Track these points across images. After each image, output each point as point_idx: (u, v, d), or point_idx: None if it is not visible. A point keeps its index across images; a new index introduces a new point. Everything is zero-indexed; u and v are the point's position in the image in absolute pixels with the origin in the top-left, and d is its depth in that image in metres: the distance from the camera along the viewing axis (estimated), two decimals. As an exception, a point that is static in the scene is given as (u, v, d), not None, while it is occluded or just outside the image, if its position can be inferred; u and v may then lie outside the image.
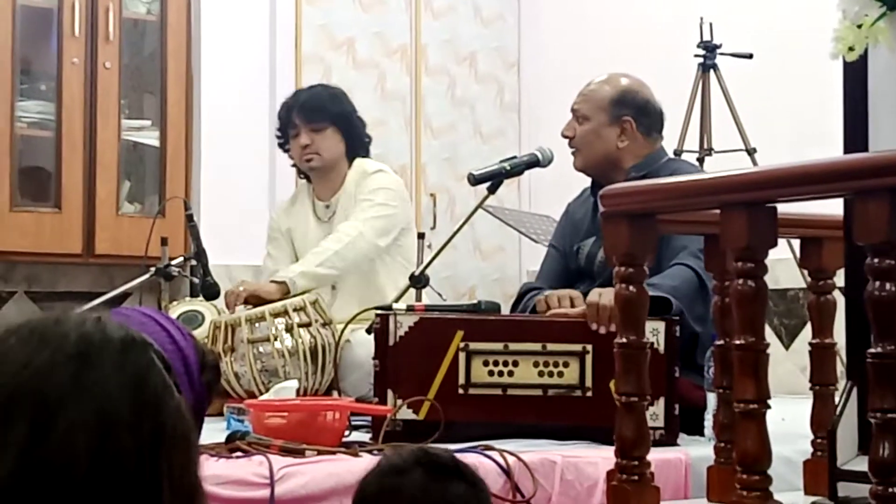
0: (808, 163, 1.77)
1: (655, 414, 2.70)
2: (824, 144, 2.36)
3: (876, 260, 1.65)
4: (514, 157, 3.32)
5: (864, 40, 1.98)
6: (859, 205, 1.68)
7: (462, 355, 2.78)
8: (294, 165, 4.04)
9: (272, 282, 3.69)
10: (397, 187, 3.90)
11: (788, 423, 2.80)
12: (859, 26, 1.97)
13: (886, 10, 1.87)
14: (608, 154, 3.23)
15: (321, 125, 3.85)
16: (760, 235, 1.83)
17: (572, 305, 2.95)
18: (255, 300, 3.54)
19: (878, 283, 1.65)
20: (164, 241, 3.43)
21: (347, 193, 3.88)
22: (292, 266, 3.76)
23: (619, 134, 3.23)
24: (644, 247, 2.04)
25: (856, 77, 2.14)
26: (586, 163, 3.26)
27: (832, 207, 2.11)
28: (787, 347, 4.74)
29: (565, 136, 3.28)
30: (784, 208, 2.03)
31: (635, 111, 3.24)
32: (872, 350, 1.66)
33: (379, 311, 2.84)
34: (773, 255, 2.67)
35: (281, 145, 4.01)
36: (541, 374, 2.78)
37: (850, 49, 1.97)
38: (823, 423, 2.30)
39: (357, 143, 3.94)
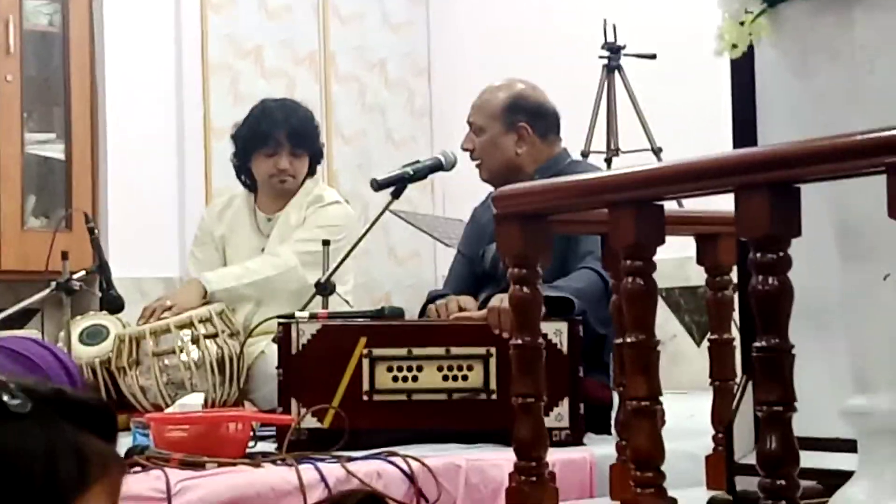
0: (691, 160, 1.78)
1: (560, 414, 2.71)
2: (728, 142, 2.38)
3: (759, 254, 1.66)
4: (418, 162, 3.32)
5: (747, 37, 2.00)
6: (742, 200, 1.69)
7: (366, 362, 2.77)
8: (241, 175, 3.95)
9: (189, 284, 3.68)
10: (348, 223, 3.88)
11: (697, 419, 2.82)
12: (742, 23, 1.98)
13: (766, 7, 1.88)
14: (509, 162, 3.24)
15: (303, 152, 3.84)
16: (648, 233, 1.84)
17: (460, 310, 2.96)
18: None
19: (760, 277, 1.66)
20: (64, 256, 3.36)
21: (291, 212, 3.85)
22: (218, 276, 3.71)
23: (516, 140, 3.24)
24: (537, 248, 2.04)
25: (742, 74, 2.17)
26: (490, 173, 3.28)
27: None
28: (698, 344, 4.78)
29: (466, 150, 3.30)
30: (686, 204, 2.04)
31: (529, 116, 3.25)
32: (757, 343, 1.67)
33: (281, 321, 2.82)
34: (682, 252, 2.69)
35: (242, 153, 3.91)
36: (445, 378, 2.78)
37: (734, 46, 1.98)
38: (723, 417, 2.32)
39: (315, 168, 3.94)
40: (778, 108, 2.11)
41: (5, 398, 0.96)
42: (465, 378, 2.78)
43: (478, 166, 3.31)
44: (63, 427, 0.98)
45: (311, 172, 3.94)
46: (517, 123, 3.24)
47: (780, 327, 1.66)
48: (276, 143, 3.80)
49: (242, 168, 3.92)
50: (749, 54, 2.10)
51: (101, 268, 3.43)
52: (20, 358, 1.63)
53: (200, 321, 3.41)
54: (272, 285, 3.72)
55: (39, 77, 4.95)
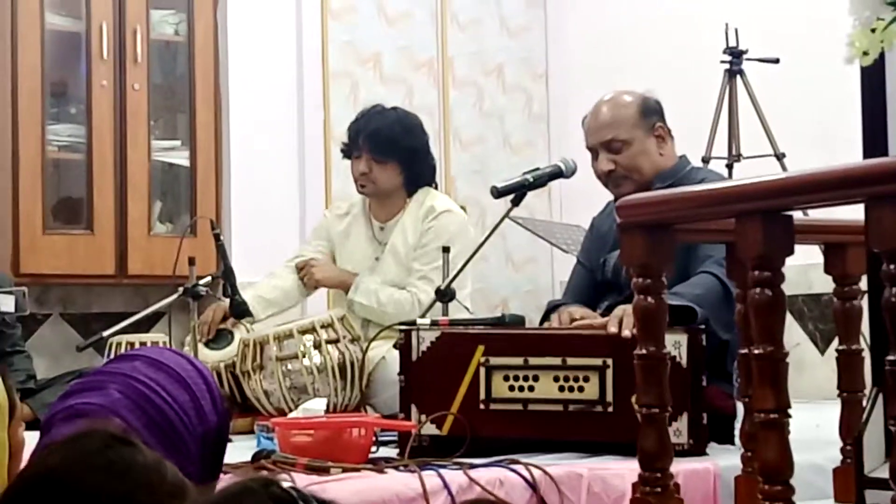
0: (822, 170, 1.75)
1: (679, 430, 2.66)
2: (854, 148, 2.34)
3: (892, 266, 1.64)
4: (538, 169, 3.31)
5: (879, 44, 1.96)
6: (873, 211, 1.66)
7: (483, 370, 2.77)
8: None
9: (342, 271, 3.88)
10: (463, 229, 3.87)
11: (823, 429, 2.77)
12: (873, 30, 1.95)
13: (899, 13, 1.85)
14: (655, 166, 3.19)
15: (385, 158, 3.84)
16: (776, 244, 1.81)
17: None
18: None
19: (894, 290, 1.63)
20: (191, 261, 3.44)
21: (407, 224, 3.87)
22: (366, 291, 3.78)
23: (658, 143, 3.21)
24: (661, 257, 2.03)
25: (873, 81, 2.13)
26: (638, 185, 3.13)
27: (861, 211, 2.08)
28: (822, 352, 4.70)
29: (605, 173, 3.19)
30: (811, 213, 2.01)
31: (660, 115, 3.23)
32: (891, 357, 1.64)
33: (402, 328, 2.84)
34: (806, 259, 2.64)
35: (345, 154, 3.99)
36: (561, 388, 2.75)
37: (865, 53, 1.95)
38: (852, 429, 2.28)
39: (416, 177, 3.92)
40: (910, 116, 2.07)
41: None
42: (580, 389, 2.75)
43: (619, 184, 3.17)
44: None
45: (415, 183, 3.93)
46: (654, 125, 3.21)
47: (914, 341, 1.63)
48: (358, 147, 3.85)
49: None
50: (880, 61, 2.07)
51: (226, 273, 3.50)
52: (161, 366, 1.69)
53: (322, 326, 3.45)
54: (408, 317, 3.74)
55: (165, 85, 5.07)
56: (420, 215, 3.87)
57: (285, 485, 1.07)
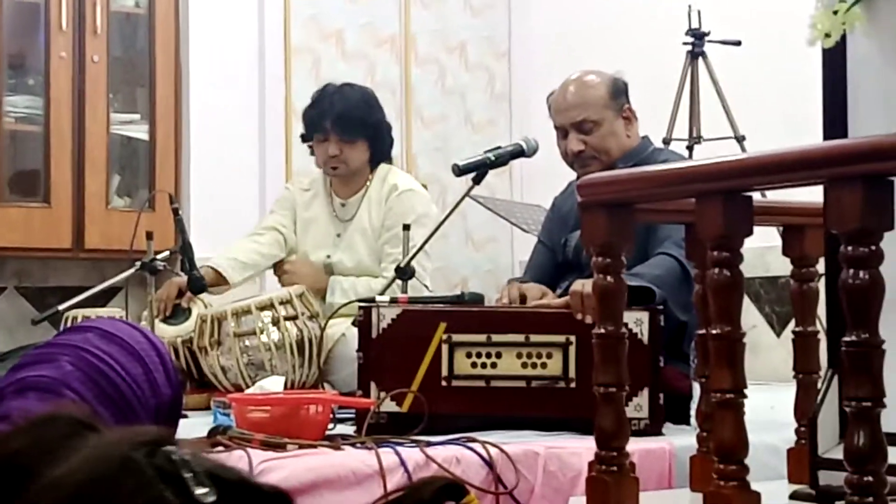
0: (781, 151, 1.75)
1: (640, 405, 2.69)
2: (813, 131, 2.35)
3: (849, 248, 1.64)
4: (500, 148, 3.30)
5: (841, 26, 1.97)
6: (832, 192, 1.66)
7: (445, 347, 2.77)
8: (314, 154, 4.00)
9: (318, 269, 3.84)
10: (428, 208, 3.87)
11: (777, 411, 2.79)
12: (835, 12, 1.96)
13: (861, -4, 1.86)
14: (622, 147, 3.20)
15: (354, 138, 3.82)
16: (735, 224, 1.82)
17: (522, 299, 2.94)
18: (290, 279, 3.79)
19: (851, 271, 1.64)
20: (149, 236, 3.42)
21: (372, 201, 3.86)
22: (345, 288, 3.76)
23: (625, 124, 3.21)
24: (622, 237, 2.03)
25: (834, 64, 2.13)
26: (606, 166, 3.12)
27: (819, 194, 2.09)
28: (778, 335, 4.74)
29: (574, 153, 3.17)
30: (769, 195, 2.02)
31: (626, 96, 3.23)
32: (847, 338, 1.65)
33: (362, 304, 2.83)
34: (763, 242, 2.65)
35: (303, 138, 3.97)
36: (524, 365, 2.76)
37: (827, 35, 1.96)
38: (806, 411, 2.29)
39: (381, 152, 3.92)
40: (870, 100, 2.07)
41: (196, 490, 0.93)
42: (543, 366, 2.77)
43: (587, 165, 3.16)
44: None
45: (379, 158, 3.92)
46: (623, 106, 3.22)
47: (870, 322, 1.63)
48: (324, 131, 3.82)
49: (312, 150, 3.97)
50: (841, 44, 2.07)
51: (185, 248, 3.47)
52: (114, 338, 1.67)
53: (281, 303, 3.44)
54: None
55: (125, 58, 5.01)
56: (384, 193, 3.86)
57: (174, 449, 0.95)
